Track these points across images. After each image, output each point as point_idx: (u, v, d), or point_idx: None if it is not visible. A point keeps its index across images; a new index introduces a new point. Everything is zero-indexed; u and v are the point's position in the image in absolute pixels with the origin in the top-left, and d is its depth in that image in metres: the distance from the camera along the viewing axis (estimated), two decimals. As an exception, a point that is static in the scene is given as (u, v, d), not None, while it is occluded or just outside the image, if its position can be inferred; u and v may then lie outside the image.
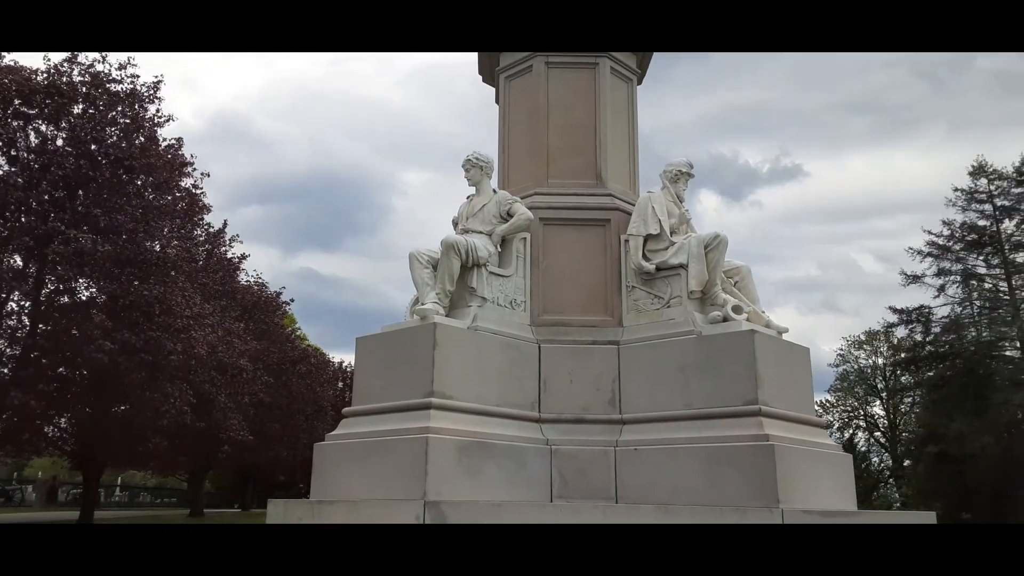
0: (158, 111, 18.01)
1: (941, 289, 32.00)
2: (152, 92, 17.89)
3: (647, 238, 7.54)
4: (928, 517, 6.80)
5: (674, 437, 6.64)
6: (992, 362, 30.44)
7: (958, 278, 32.10)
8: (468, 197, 7.93)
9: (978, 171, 31.44)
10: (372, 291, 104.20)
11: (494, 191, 7.72)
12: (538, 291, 7.68)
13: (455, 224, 8.01)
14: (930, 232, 32.26)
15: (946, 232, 31.98)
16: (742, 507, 5.88)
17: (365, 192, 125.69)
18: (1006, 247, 30.86)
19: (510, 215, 7.55)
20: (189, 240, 18.37)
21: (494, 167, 7.93)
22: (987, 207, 31.37)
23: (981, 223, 31.49)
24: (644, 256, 7.51)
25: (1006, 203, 31.05)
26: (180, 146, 18.47)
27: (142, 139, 17.15)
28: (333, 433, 7.02)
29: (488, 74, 9.49)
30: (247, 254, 23.08)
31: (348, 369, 46.24)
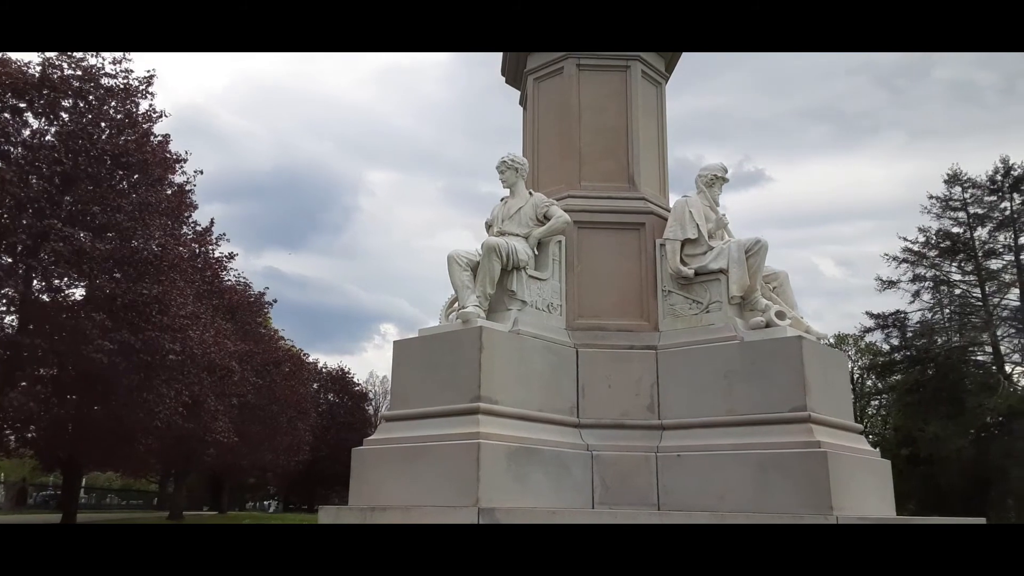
0: (151, 106, 17.65)
1: (916, 295, 32.61)
2: (145, 87, 17.49)
3: (684, 243, 7.50)
4: (977, 521, 6.85)
5: (719, 443, 6.60)
6: (965, 366, 31.09)
7: (931, 284, 32.77)
8: (502, 199, 7.83)
9: (953, 179, 32.12)
10: (338, 291, 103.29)
11: (530, 193, 7.62)
12: (573, 295, 7.60)
13: (488, 227, 7.90)
14: (905, 239, 32.89)
15: (921, 239, 32.62)
16: (797, 515, 5.85)
17: (330, 191, 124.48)
18: (979, 254, 31.55)
19: (547, 218, 7.46)
20: (176, 238, 17.89)
21: (528, 169, 7.83)
22: (961, 215, 32.05)
23: (955, 230, 32.17)
24: (682, 260, 7.47)
25: (979, 211, 31.74)
26: (168, 142, 18.07)
27: (136, 135, 16.71)
28: (372, 438, 6.86)
29: (513, 76, 9.40)
30: (235, 253, 22.66)
31: (323, 370, 45.87)
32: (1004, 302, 30.99)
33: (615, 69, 8.41)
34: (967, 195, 31.82)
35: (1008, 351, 31.04)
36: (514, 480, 6.17)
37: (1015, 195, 30.95)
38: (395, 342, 7.10)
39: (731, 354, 6.83)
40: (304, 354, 33.84)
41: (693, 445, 6.74)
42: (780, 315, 6.99)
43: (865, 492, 6.45)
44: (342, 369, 44.28)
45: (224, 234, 21.72)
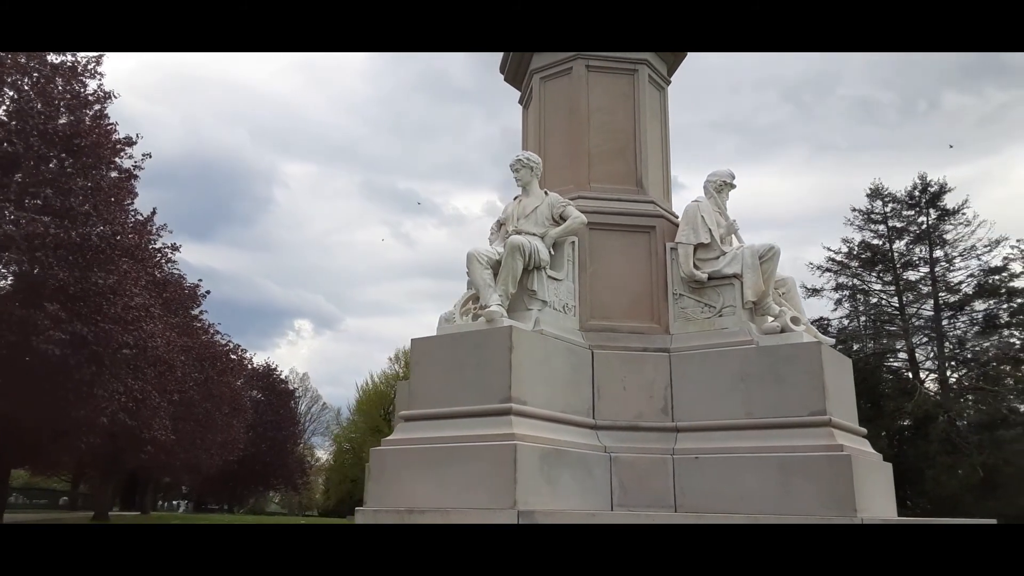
0: (100, 86, 16.64)
1: (839, 303, 34.03)
2: (94, 67, 16.47)
3: (696, 247, 7.59)
4: (989, 523, 7.14)
5: (738, 446, 6.69)
6: (883, 372, 32.61)
7: (849, 293, 34.27)
8: (515, 198, 7.75)
9: (875, 194, 33.62)
10: (249, 285, 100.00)
11: (545, 193, 7.57)
12: (586, 296, 7.59)
13: (499, 225, 7.82)
14: (829, 248, 34.29)
15: (844, 249, 34.05)
16: (823, 517, 5.98)
17: (242, 181, 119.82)
18: (897, 266, 33.14)
19: (563, 218, 7.42)
20: (124, 227, 16.86)
21: (542, 169, 7.76)
22: (882, 228, 33.60)
23: (876, 242, 33.70)
24: (694, 265, 7.55)
25: (898, 225, 33.34)
26: (113, 125, 17.06)
27: (89, 115, 15.73)
28: (393, 438, 6.67)
29: (514, 73, 9.32)
30: (178, 244, 21.49)
31: (248, 366, 44.38)
32: (920, 312, 32.66)
33: (623, 72, 8.44)
34: (887, 209, 33.40)
35: (922, 359, 32.72)
36: (546, 482, 6.11)
37: (931, 210, 32.65)
38: (415, 340, 6.93)
39: (748, 358, 6.93)
40: (242, 350, 32.75)
41: (711, 448, 6.82)
42: (795, 320, 7.15)
43: (877, 494, 6.66)
44: (269, 366, 43.04)
45: (166, 224, 20.71)
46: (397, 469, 6.40)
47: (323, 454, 55.96)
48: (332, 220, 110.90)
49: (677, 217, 8.21)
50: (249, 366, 39.48)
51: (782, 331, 7.08)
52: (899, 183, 38.59)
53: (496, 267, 6.97)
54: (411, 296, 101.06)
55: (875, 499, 6.53)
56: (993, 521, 6.98)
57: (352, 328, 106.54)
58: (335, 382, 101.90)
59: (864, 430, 7.43)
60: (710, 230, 7.58)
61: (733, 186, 8.01)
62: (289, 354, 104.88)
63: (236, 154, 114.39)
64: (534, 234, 7.32)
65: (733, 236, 7.79)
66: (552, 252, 7.41)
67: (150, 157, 17.62)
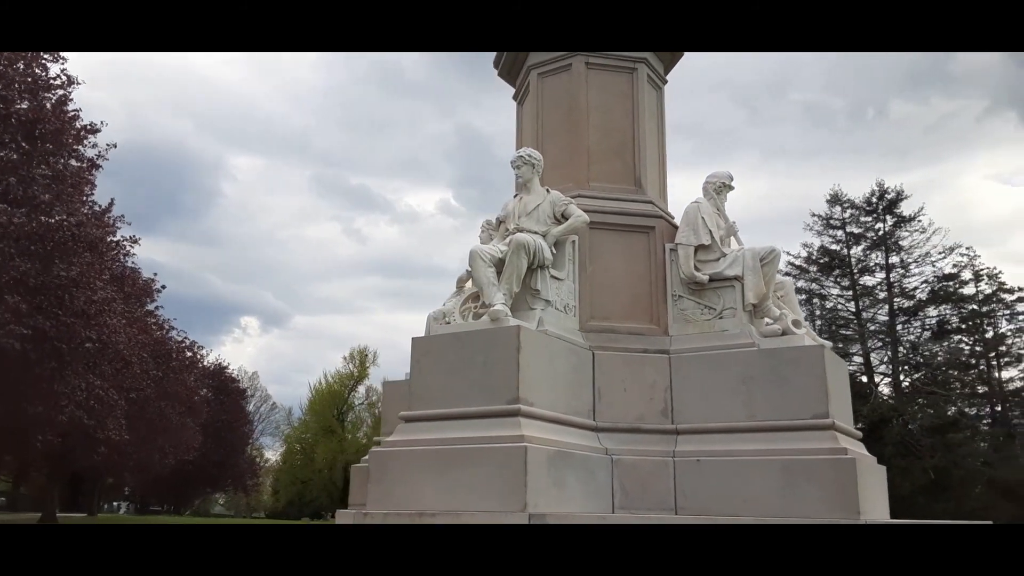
0: (63, 70, 15.95)
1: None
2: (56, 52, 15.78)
3: (697, 248, 7.55)
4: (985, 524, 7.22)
5: (740, 449, 6.66)
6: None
7: (806, 297, 34.89)
8: (516, 195, 7.61)
9: (834, 200, 34.29)
10: (193, 280, 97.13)
11: (547, 191, 7.45)
12: (586, 296, 7.49)
13: (499, 222, 7.68)
14: (788, 253, 34.85)
15: (804, 254, 34.67)
16: (827, 518, 5.98)
17: (188, 173, 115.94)
18: (854, 271, 33.85)
19: (565, 217, 7.31)
20: (87, 217, 16.14)
21: (543, 166, 7.63)
22: (840, 233, 34.28)
23: (834, 247, 34.37)
24: (694, 267, 7.51)
25: (856, 231, 34.07)
26: (77, 111, 16.38)
27: (53, 100, 15.06)
28: (393, 439, 6.49)
29: (508, 68, 9.19)
30: (137, 237, 20.65)
31: (199, 364, 43.27)
32: (876, 316, 33.41)
33: (623, 70, 8.37)
34: (846, 215, 34.11)
35: (877, 363, 33.48)
36: (553, 484, 5.99)
37: (888, 217, 33.44)
38: (415, 339, 6.75)
39: (750, 360, 6.91)
40: (198, 347, 31.89)
41: (712, 450, 6.78)
42: (797, 323, 7.16)
43: (877, 497, 6.70)
44: (220, 364, 42.04)
45: (123, 215, 19.90)
46: (401, 471, 6.22)
47: (272, 455, 54.97)
48: (281, 215, 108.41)
49: (674, 218, 8.17)
50: (202, 363, 38.55)
51: (783, 334, 7.08)
52: (849, 188, 39.13)
53: (499, 265, 6.83)
54: (362, 294, 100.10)
55: (876, 502, 6.56)
56: (989, 522, 7.09)
57: (301, 326, 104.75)
58: (283, 381, 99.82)
59: (860, 433, 7.48)
60: (711, 231, 7.55)
61: (732, 187, 7.99)
62: (235, 352, 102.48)
63: (181, 145, 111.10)
64: (536, 232, 7.19)
65: (732, 238, 7.77)
66: (553, 251, 7.29)
67: (115, 147, 16.97)
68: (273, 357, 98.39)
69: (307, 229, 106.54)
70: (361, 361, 45.56)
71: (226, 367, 43.29)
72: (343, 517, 6.55)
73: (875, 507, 6.53)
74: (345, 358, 46.06)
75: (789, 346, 6.87)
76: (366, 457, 9.45)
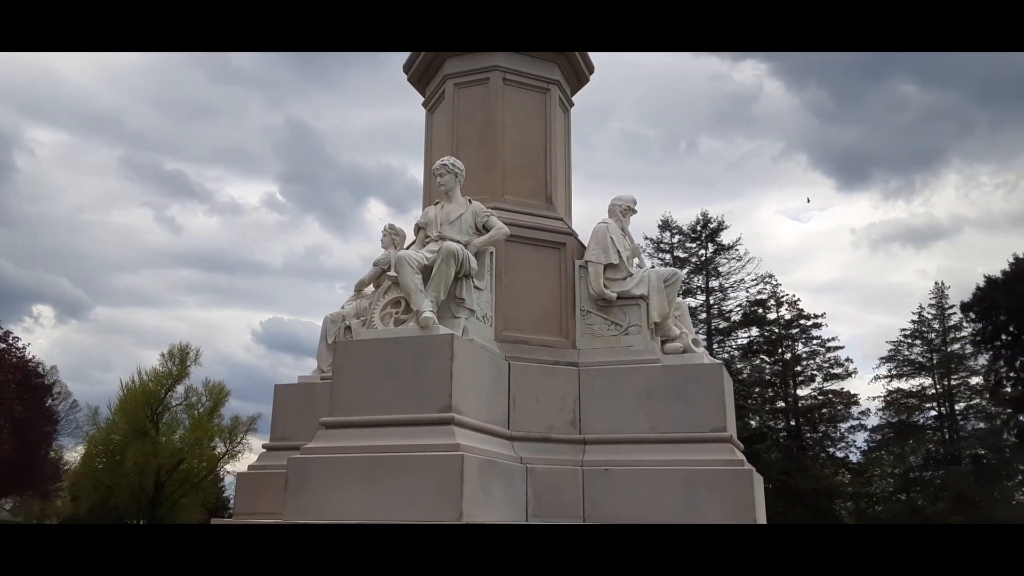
0: None
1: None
2: None
3: (606, 267, 7.91)
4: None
5: (645, 459, 7.05)
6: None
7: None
8: (436, 202, 7.61)
9: (664, 225, 36.63)
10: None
11: (468, 201, 7.52)
12: (501, 307, 7.63)
13: (418, 229, 7.65)
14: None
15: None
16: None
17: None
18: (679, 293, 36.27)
19: (486, 228, 7.42)
20: None
21: (465, 176, 7.68)
22: (668, 257, 36.63)
23: (662, 269, 36.65)
24: (603, 284, 7.86)
25: (682, 255, 36.57)
26: None
27: None
28: (316, 446, 6.26)
29: (420, 75, 9.17)
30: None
31: (17, 355, 38.66)
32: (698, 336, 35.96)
33: (537, 90, 8.62)
34: (674, 240, 36.57)
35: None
36: (482, 493, 6.06)
37: (710, 244, 36.21)
38: (339, 343, 6.60)
39: (654, 376, 7.34)
40: (14, 337, 28.49)
41: (618, 460, 7.12)
42: (696, 342, 7.69)
43: (760, 503, 7.31)
44: (23, 357, 37.85)
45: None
46: (325, 480, 6.04)
47: (72, 457, 50.22)
48: (85, 196, 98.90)
49: (577, 236, 8.50)
50: (17, 356, 34.72)
51: (684, 351, 7.59)
52: (654, 216, 41.15)
53: (425, 272, 6.82)
54: (173, 287, 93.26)
55: (761, 508, 7.17)
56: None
57: (103, 318, 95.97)
58: (81, 377, 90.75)
59: (742, 444, 8.13)
60: (619, 251, 7.94)
61: (635, 211, 8.45)
62: (26, 343, 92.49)
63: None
64: (459, 241, 7.25)
65: (636, 259, 8.21)
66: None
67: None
68: (70, 350, 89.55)
69: (113, 214, 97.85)
70: (182, 359, 42.74)
71: (29, 360, 39.02)
72: None
73: (762, 514, 7.14)
74: (163, 355, 43.09)
75: (691, 363, 7.38)
76: (254, 463, 9.06)
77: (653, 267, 7.93)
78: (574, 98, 9.52)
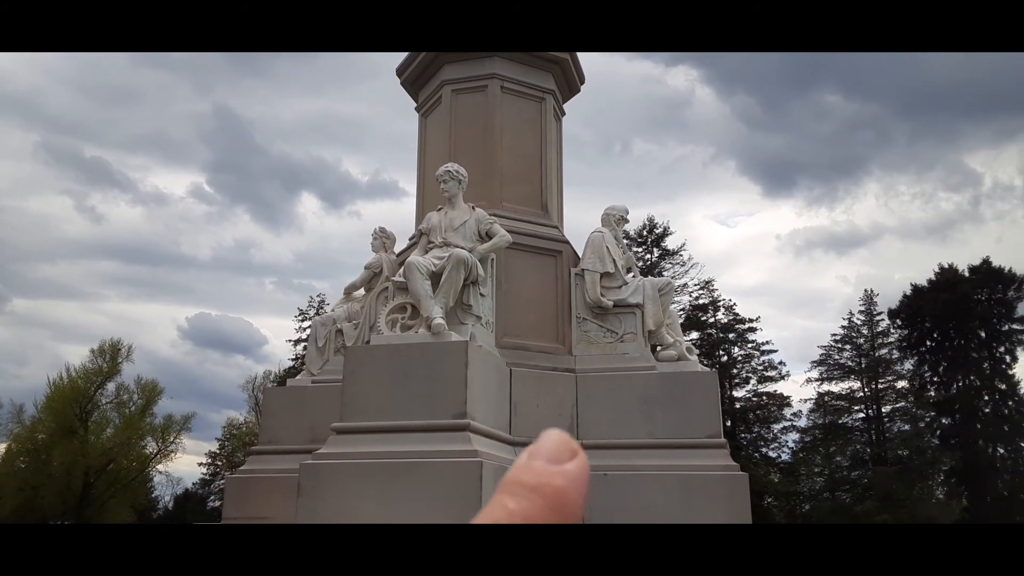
0: None
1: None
2: None
3: (602, 275, 8.08)
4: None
5: (642, 464, 7.25)
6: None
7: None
8: (439, 208, 7.66)
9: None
10: None
11: (471, 208, 7.59)
12: (501, 313, 7.72)
13: (420, 235, 7.68)
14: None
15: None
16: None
17: None
18: (623, 295, 36.85)
19: (489, 235, 7.50)
20: None
21: (467, 183, 7.74)
22: (613, 260, 37.13)
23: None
24: (600, 292, 8.02)
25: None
26: None
27: None
28: (326, 451, 6.24)
29: (415, 80, 9.18)
30: None
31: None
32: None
33: (533, 99, 8.74)
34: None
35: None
36: (496, 498, 6.14)
37: (656, 249, 36.87)
38: (350, 349, 6.60)
39: (650, 382, 7.54)
40: None
41: (616, 465, 7.29)
42: (690, 350, 7.93)
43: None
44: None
45: None
46: (339, 485, 6.03)
47: (-9, 456, 47.99)
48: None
49: (571, 244, 8.65)
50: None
51: (679, 359, 7.81)
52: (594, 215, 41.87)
53: (434, 278, 6.87)
54: (94, 279, 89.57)
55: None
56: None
57: (18, 310, 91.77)
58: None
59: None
60: (614, 260, 8.12)
61: (627, 220, 8.65)
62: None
63: None
64: (464, 248, 7.31)
65: (632, 267, 8.41)
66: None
67: None
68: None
69: (29, 201, 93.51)
70: (113, 356, 41.24)
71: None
72: None
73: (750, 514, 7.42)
74: (93, 351, 41.51)
75: (686, 371, 7.61)
76: (243, 467, 8.90)
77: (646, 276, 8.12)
78: (565, 106, 9.68)
